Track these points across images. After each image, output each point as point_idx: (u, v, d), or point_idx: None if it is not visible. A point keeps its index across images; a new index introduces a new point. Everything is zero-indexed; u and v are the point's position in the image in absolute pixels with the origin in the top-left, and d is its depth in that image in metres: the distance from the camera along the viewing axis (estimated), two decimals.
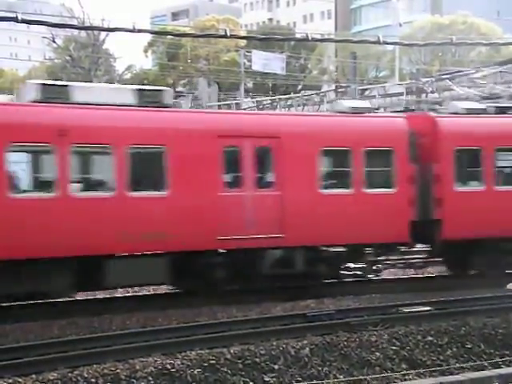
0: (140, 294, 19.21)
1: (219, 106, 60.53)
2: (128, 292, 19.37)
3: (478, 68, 42.57)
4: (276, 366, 12.05)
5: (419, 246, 21.63)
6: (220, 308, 16.08)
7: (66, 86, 16.81)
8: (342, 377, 12.05)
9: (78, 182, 16.19)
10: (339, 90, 54.72)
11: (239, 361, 12.00)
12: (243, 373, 11.76)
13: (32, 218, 15.37)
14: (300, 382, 11.79)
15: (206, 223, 16.81)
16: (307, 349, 12.63)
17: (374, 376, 12.10)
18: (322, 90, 63.17)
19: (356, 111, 19.45)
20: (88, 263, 15.89)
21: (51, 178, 15.79)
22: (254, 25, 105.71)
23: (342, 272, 19.36)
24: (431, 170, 19.51)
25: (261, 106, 56.47)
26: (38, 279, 15.50)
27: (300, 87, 75.55)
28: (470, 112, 20.54)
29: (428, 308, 15.40)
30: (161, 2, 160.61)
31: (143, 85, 73.60)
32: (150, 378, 11.18)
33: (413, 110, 39.38)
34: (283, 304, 16.41)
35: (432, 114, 21.37)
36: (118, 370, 11.26)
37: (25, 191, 15.74)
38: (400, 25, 65.14)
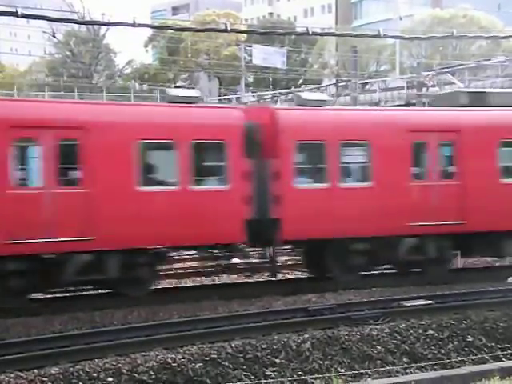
0: None
1: (220, 100, 60.49)
2: None
3: (479, 61, 42.50)
4: (277, 360, 12.06)
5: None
6: (221, 302, 16.11)
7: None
8: (343, 371, 12.05)
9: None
10: (340, 84, 54.62)
11: (240, 355, 12.01)
12: (244, 367, 11.77)
13: None
14: (301, 375, 11.81)
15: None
16: (308, 343, 12.63)
17: (375, 370, 12.12)
18: (323, 84, 63.19)
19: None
20: None
21: None
22: (255, 19, 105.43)
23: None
24: (270, 166, 18.12)
25: (261, 101, 56.50)
26: None
27: (301, 81, 75.52)
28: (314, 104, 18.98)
29: (429, 302, 15.38)
30: None
31: (143, 79, 73.64)
32: (152, 373, 11.20)
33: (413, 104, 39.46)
34: (284, 298, 16.44)
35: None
36: (119, 365, 11.28)
37: None
38: (400, 18, 65.01)
